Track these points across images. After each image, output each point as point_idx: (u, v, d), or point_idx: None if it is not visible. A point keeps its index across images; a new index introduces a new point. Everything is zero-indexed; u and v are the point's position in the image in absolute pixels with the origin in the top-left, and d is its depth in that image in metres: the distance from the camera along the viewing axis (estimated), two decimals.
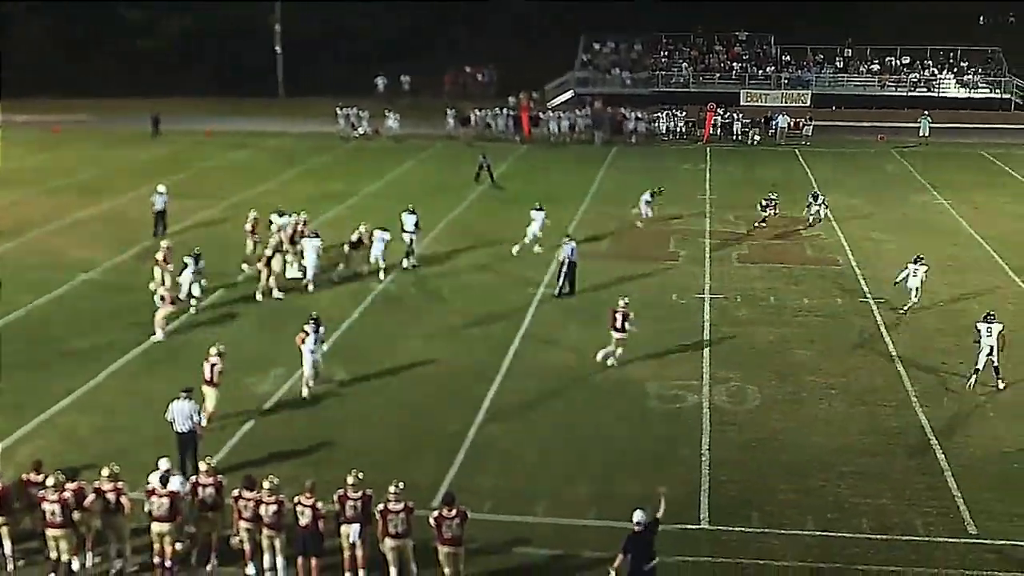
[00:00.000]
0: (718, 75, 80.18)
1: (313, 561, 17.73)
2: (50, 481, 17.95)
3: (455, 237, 40.28)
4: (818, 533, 19.50)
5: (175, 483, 18.29)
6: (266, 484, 17.94)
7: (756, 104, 74.48)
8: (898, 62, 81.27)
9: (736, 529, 19.65)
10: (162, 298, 29.84)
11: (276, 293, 32.82)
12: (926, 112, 66.36)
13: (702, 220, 43.55)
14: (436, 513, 17.34)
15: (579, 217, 43.47)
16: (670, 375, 27.01)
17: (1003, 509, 20.49)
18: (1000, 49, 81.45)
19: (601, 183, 51.11)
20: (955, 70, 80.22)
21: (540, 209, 37.76)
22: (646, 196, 42.32)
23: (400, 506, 17.51)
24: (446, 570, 17.28)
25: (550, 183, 50.84)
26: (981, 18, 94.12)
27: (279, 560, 17.99)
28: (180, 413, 21.24)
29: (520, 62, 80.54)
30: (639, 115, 67.14)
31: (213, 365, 23.49)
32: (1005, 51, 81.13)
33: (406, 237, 36.07)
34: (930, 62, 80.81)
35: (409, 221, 36.24)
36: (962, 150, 61.52)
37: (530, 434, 23.72)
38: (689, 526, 19.68)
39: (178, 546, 18.01)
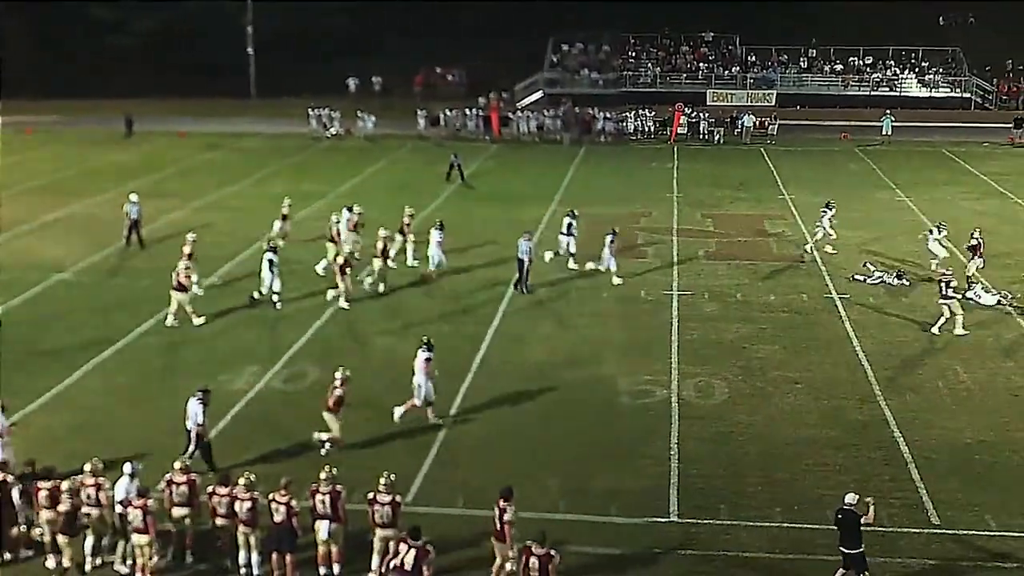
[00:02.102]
0: (685, 75, 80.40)
1: (287, 557, 17.70)
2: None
3: (425, 235, 40.13)
4: (785, 525, 19.60)
5: (122, 488, 18.30)
6: (241, 481, 17.93)
7: (722, 104, 74.72)
8: (861, 62, 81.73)
9: (705, 521, 19.71)
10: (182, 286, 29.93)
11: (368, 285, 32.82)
12: (888, 111, 66.70)
13: (670, 218, 43.64)
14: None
15: (548, 216, 43.48)
16: (639, 370, 27.05)
17: (965, 499, 20.64)
18: (960, 49, 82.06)
19: (571, 182, 51.14)
20: (916, 70, 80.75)
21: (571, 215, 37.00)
22: (826, 213, 38.20)
23: (388, 498, 17.60)
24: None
25: (520, 182, 50.89)
26: (941, 19, 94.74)
27: (254, 556, 17.95)
28: (190, 411, 21.44)
29: (490, 63, 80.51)
30: (607, 115, 67.12)
31: (335, 390, 22.55)
32: (965, 51, 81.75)
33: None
34: (892, 62, 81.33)
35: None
36: (924, 148, 61.88)
37: (502, 429, 23.73)
38: (659, 519, 19.75)
39: (154, 560, 17.78)
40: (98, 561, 18.27)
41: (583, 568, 18.04)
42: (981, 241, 34.13)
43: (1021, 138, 63.91)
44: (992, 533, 19.23)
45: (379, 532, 17.71)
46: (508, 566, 17.31)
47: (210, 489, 18.21)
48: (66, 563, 17.74)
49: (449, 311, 31.59)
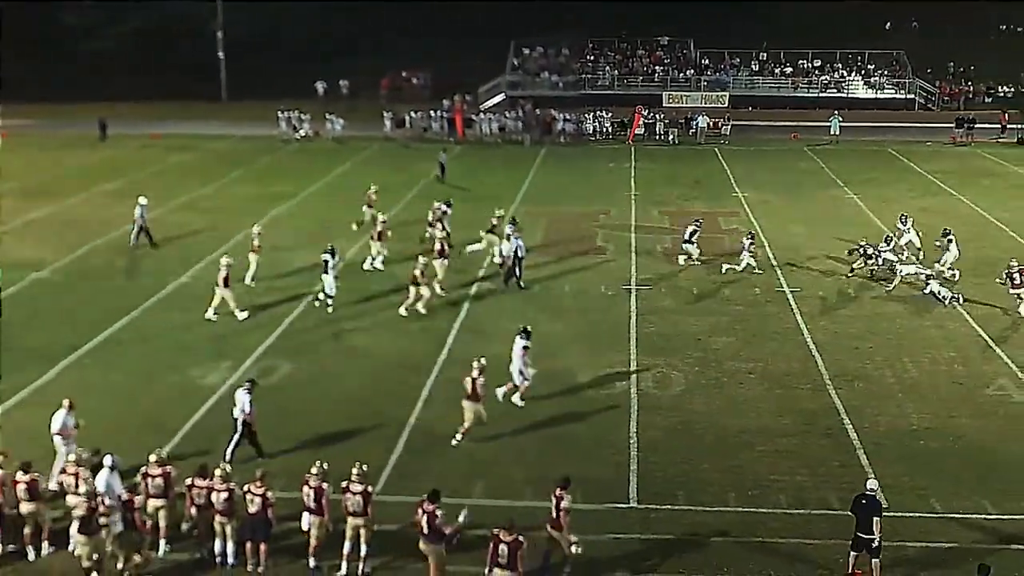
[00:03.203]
0: (641, 78, 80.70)
1: (261, 546, 17.71)
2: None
3: (393, 234, 40.10)
4: (740, 509, 19.78)
5: (103, 480, 18.22)
6: (217, 472, 17.90)
7: (677, 105, 74.99)
8: (810, 65, 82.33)
9: (664, 507, 19.86)
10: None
11: (438, 291, 32.24)
12: (836, 112, 67.18)
13: (628, 215, 43.78)
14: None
15: (511, 214, 43.43)
16: (600, 363, 27.17)
17: (911, 483, 20.90)
18: (904, 52, 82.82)
19: (532, 182, 51.20)
20: (863, 72, 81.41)
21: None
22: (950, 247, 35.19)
23: (359, 488, 17.62)
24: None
25: (483, 182, 50.86)
26: (887, 24, 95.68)
27: (229, 545, 17.93)
28: (237, 401, 21.51)
29: (453, 66, 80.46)
30: (567, 116, 67.24)
31: (475, 379, 22.52)
32: (908, 54, 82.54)
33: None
34: (840, 65, 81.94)
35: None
36: (870, 147, 62.27)
37: (459, 417, 23.74)
38: (619, 505, 19.89)
39: (137, 557, 17.60)
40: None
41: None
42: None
43: (962, 137, 64.54)
44: (937, 515, 19.47)
45: (350, 520, 17.73)
46: (574, 549, 17.53)
47: (188, 481, 18.16)
48: (85, 563, 17.38)
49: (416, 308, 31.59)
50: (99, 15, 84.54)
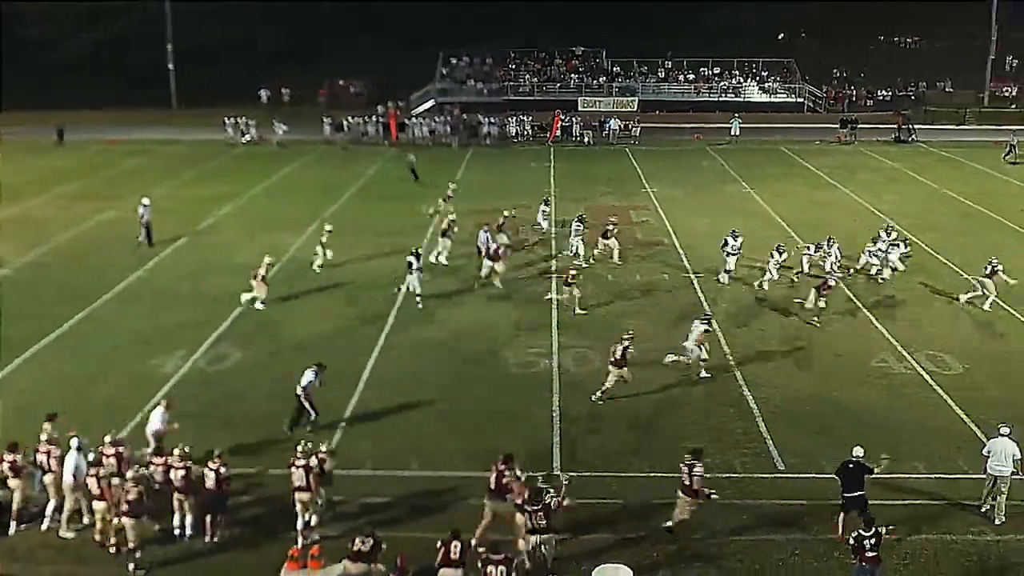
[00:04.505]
0: (558, 85, 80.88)
1: (218, 518, 17.60)
2: None
3: (334, 230, 39.90)
4: (652, 475, 20.00)
5: (72, 462, 18.02)
6: (176, 451, 17.74)
7: (591, 109, 75.27)
8: (710, 72, 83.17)
9: (584, 474, 19.95)
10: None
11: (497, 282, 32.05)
12: (737, 114, 67.94)
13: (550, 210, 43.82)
14: None
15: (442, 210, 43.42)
16: (525, 345, 27.28)
17: (803, 447, 21.31)
18: (794, 60, 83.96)
19: (460, 181, 51.06)
20: (757, 78, 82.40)
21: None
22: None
23: (303, 462, 17.58)
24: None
25: (416, 181, 50.65)
26: (780, 35, 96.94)
27: (188, 519, 17.76)
28: (304, 381, 21.76)
29: (387, 76, 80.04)
30: (492, 120, 67.09)
31: (626, 348, 23.31)
32: (798, 62, 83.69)
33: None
34: (737, 72, 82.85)
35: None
36: (765, 146, 62.94)
37: (405, 399, 23.71)
38: (543, 473, 19.92)
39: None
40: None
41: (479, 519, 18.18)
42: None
43: (847, 137, 65.58)
44: (828, 476, 19.82)
45: (297, 496, 17.67)
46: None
47: (147, 459, 17.99)
48: (131, 544, 17.08)
49: (357, 296, 31.41)
50: (58, 28, 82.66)
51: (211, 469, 17.51)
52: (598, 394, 23.42)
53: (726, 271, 32.80)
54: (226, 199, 45.73)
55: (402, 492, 19.37)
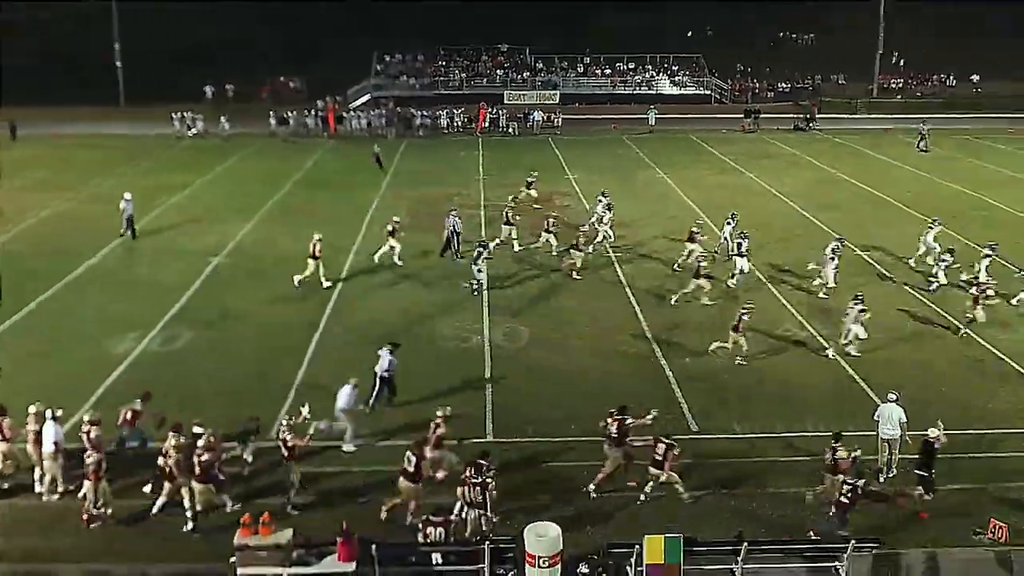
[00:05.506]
0: (485, 79, 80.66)
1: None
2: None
3: (275, 218, 39.47)
4: (579, 439, 20.08)
5: (51, 431, 17.80)
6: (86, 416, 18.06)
7: (516, 102, 75.20)
8: (625, 67, 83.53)
9: (515, 440, 20.10)
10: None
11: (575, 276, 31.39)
12: (653, 106, 68.46)
13: (478, 196, 43.82)
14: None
15: (379, 198, 43.17)
16: (457, 323, 27.20)
17: (715, 410, 21.63)
18: (701, 55, 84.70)
19: (395, 170, 50.73)
20: (669, 72, 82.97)
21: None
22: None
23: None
24: None
25: (354, 170, 50.26)
26: (688, 32, 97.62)
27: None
28: (383, 359, 21.69)
29: (325, 73, 79.11)
30: (424, 113, 66.93)
31: (742, 315, 24.16)
32: (705, 57, 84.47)
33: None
34: (650, 66, 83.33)
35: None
36: (676, 135, 63.42)
37: (347, 374, 23.47)
38: (479, 439, 20.01)
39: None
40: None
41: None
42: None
43: (750, 126, 66.38)
44: (736, 436, 20.19)
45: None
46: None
47: (86, 429, 17.82)
48: (199, 507, 17.05)
49: (302, 281, 31.08)
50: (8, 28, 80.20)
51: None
52: (713, 347, 24.37)
53: (740, 271, 30.72)
54: (175, 189, 44.81)
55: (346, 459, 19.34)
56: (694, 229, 32.11)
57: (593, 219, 35.35)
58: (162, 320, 27.27)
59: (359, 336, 26.00)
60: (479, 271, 29.74)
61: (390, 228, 32.44)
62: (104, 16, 76.67)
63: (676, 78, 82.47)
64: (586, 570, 15.07)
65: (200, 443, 17.22)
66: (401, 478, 16.94)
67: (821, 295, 29.39)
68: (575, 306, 28.61)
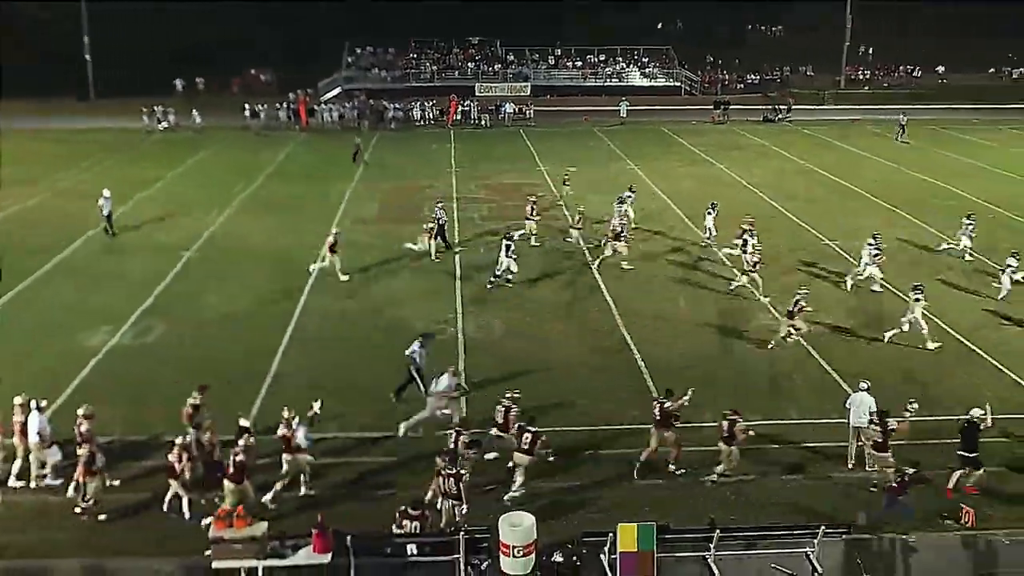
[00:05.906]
0: (457, 72, 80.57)
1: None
2: None
3: (248, 210, 39.21)
4: (558, 428, 19.88)
5: (36, 421, 17.69)
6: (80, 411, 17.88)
7: (488, 95, 75.14)
8: (596, 59, 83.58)
9: (488, 432, 20.02)
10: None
11: (625, 265, 31.21)
12: (624, 98, 68.58)
13: (450, 188, 43.73)
14: None
15: (351, 190, 43.00)
16: (432, 314, 27.02)
17: (690, 400, 21.58)
18: (671, 48, 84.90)
19: (369, 162, 50.57)
20: (639, 64, 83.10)
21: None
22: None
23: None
24: None
25: (327, 163, 50.05)
26: (658, 24, 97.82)
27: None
28: (414, 351, 21.51)
29: (297, 65, 78.70)
30: (396, 105, 66.79)
31: (797, 302, 24.53)
32: (675, 49, 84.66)
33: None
34: (620, 59, 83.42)
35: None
36: (647, 127, 63.62)
37: (322, 364, 23.47)
38: (449, 430, 19.89)
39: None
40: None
41: (384, 469, 18.33)
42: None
43: (720, 117, 66.66)
44: (705, 424, 20.16)
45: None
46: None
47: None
48: (228, 505, 16.34)
49: (272, 273, 30.86)
50: None
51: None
52: (779, 336, 24.72)
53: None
54: (147, 183, 44.44)
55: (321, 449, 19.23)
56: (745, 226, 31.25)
57: (623, 208, 34.92)
58: (134, 314, 27.02)
59: (332, 328, 25.93)
60: (514, 259, 29.51)
61: (331, 240, 30.19)
62: (75, 12, 75.79)
63: (647, 70, 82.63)
64: (560, 559, 15.09)
65: (240, 443, 16.96)
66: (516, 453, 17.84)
67: (874, 289, 29.35)
68: (549, 297, 28.63)
